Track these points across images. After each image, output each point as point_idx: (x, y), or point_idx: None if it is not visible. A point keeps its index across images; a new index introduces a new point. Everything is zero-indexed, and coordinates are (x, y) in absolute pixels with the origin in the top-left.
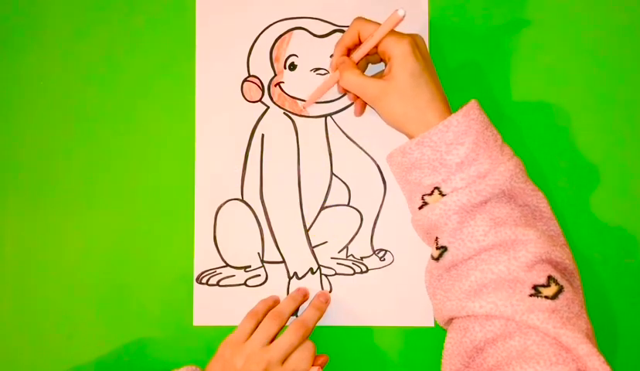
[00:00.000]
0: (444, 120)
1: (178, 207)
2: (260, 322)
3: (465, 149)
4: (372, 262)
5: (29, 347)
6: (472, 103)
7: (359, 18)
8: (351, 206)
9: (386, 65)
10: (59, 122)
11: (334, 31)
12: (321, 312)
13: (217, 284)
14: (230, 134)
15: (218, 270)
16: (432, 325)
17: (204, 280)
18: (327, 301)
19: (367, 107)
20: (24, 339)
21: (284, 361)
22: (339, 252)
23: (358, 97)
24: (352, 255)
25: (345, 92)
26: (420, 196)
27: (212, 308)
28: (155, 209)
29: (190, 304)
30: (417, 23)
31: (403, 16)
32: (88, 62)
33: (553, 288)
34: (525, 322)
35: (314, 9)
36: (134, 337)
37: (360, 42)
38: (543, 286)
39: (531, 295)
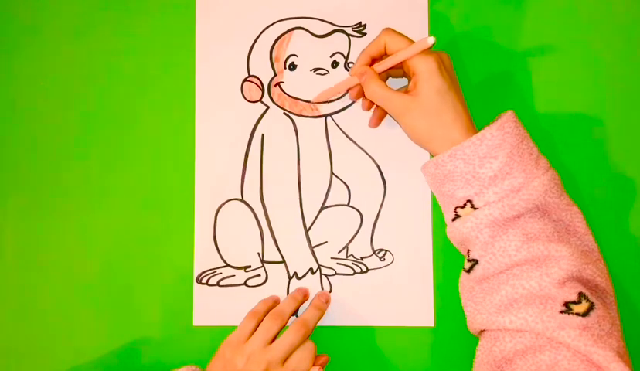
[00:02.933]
0: (477, 133)
1: (178, 207)
2: (261, 322)
3: (499, 163)
4: (372, 262)
5: (29, 347)
6: (508, 116)
7: (388, 30)
8: (351, 206)
9: (409, 80)
10: (59, 122)
11: (334, 31)
12: (322, 312)
13: (217, 284)
14: (230, 134)
15: (218, 270)
16: (432, 324)
17: (204, 280)
18: (327, 301)
19: (382, 120)
20: (24, 339)
21: (284, 361)
22: (339, 252)
23: (375, 108)
24: (352, 255)
25: (356, 99)
26: (453, 209)
27: (212, 307)
28: (155, 209)
29: (190, 304)
30: (417, 23)
31: (433, 43)
32: (88, 62)
33: (584, 305)
34: (555, 339)
35: (314, 9)
36: (135, 337)
37: (386, 54)
38: (574, 303)
39: (562, 312)
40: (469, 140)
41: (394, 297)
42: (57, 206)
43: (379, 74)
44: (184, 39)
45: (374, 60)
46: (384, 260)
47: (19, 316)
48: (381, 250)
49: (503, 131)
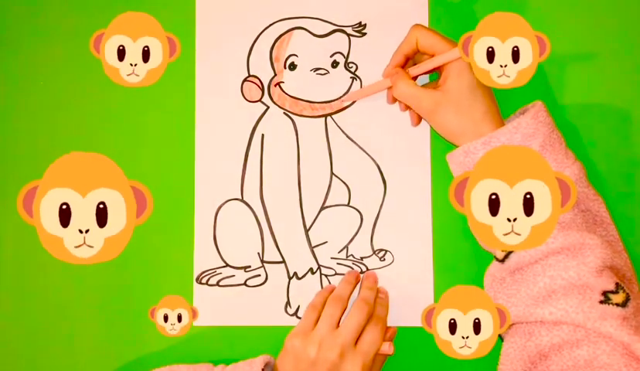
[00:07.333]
0: (512, 122)
1: (178, 207)
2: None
3: None
4: (372, 262)
5: (29, 347)
6: (540, 105)
7: (417, 26)
8: (351, 206)
9: (439, 75)
10: (59, 122)
11: (334, 31)
12: (375, 291)
13: (217, 284)
14: (230, 134)
15: (218, 270)
16: None
17: (204, 280)
18: (375, 281)
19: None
20: (23, 340)
21: (355, 343)
22: (339, 252)
23: (410, 108)
24: (352, 255)
25: (394, 101)
26: None
27: (212, 307)
28: (155, 209)
29: (190, 304)
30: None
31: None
32: (88, 62)
33: (622, 295)
34: (597, 330)
35: (314, 9)
36: (134, 337)
37: (418, 50)
38: (612, 292)
39: (601, 302)
40: (505, 128)
41: (394, 297)
42: None
43: (413, 77)
44: (184, 39)
45: (407, 59)
46: (384, 260)
47: (19, 316)
48: (381, 250)
49: (537, 120)
